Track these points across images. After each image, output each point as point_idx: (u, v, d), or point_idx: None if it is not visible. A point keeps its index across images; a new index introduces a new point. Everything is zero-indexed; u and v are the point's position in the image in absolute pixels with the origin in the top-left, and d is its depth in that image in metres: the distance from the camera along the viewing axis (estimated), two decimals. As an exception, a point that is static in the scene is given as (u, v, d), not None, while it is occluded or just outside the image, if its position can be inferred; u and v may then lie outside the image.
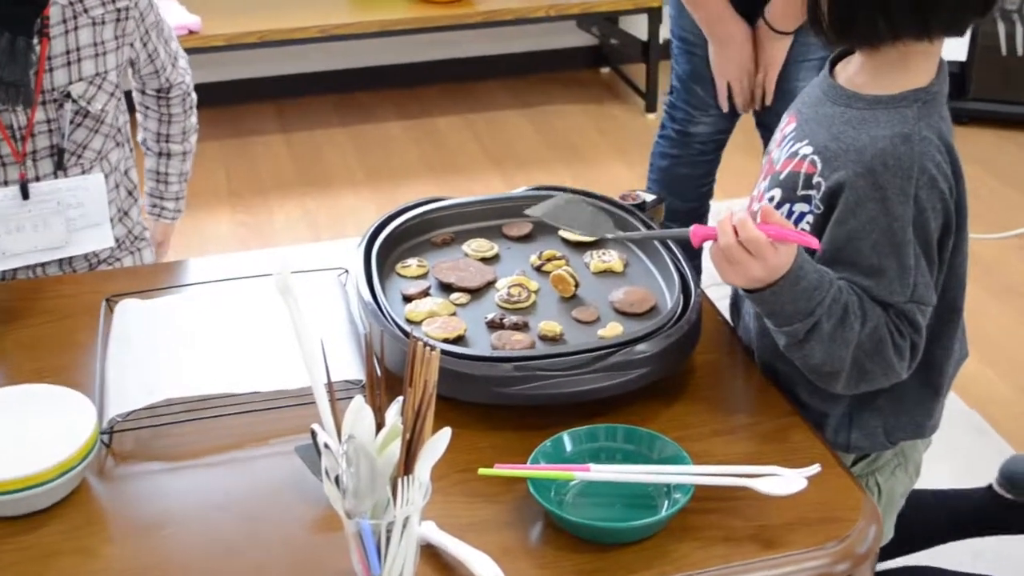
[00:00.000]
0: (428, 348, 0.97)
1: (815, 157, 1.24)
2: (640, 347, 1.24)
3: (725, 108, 2.16)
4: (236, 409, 1.26)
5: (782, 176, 1.29)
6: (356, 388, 1.27)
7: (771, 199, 1.29)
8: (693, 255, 2.56)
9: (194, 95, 1.96)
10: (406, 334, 1.26)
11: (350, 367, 1.32)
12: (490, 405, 1.23)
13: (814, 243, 1.15)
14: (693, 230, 1.17)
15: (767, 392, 1.32)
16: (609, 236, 1.28)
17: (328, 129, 3.84)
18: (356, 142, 3.76)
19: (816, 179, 1.23)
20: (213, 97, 3.92)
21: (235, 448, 1.22)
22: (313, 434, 1.01)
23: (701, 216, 2.45)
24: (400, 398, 1.00)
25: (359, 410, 0.99)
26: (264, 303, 1.43)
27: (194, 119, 1.98)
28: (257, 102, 4.00)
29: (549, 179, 3.18)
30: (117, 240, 1.84)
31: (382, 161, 3.63)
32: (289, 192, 3.45)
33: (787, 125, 1.33)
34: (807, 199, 1.25)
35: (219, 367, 1.32)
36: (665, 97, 2.31)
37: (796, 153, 1.27)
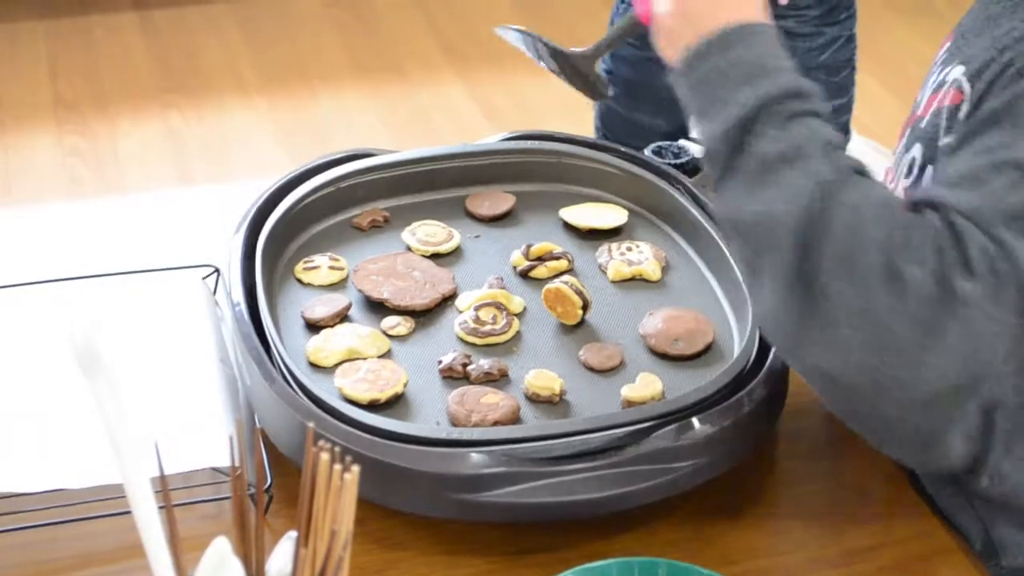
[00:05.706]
0: (340, 466, 0.87)
1: (962, 80, 1.19)
2: (695, 423, 1.17)
3: None
4: (31, 519, 1.21)
5: (924, 123, 1.25)
6: (226, 484, 1.22)
7: (911, 164, 1.26)
8: None
9: None
10: (326, 408, 1.17)
11: (219, 444, 1.23)
12: (447, 520, 1.18)
13: None
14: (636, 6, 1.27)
15: (897, 487, 1.25)
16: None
17: (204, 4, 3.82)
18: (246, 25, 3.75)
19: (963, 109, 1.18)
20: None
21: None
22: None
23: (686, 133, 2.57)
24: (292, 532, 0.92)
25: (220, 564, 0.90)
26: (101, 323, 1.33)
27: None
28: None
29: (538, 82, 3.11)
30: None
31: (286, 55, 3.64)
32: (145, 101, 3.44)
33: (940, 50, 1.30)
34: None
35: (8, 446, 1.26)
36: None
37: (943, 83, 1.24)
